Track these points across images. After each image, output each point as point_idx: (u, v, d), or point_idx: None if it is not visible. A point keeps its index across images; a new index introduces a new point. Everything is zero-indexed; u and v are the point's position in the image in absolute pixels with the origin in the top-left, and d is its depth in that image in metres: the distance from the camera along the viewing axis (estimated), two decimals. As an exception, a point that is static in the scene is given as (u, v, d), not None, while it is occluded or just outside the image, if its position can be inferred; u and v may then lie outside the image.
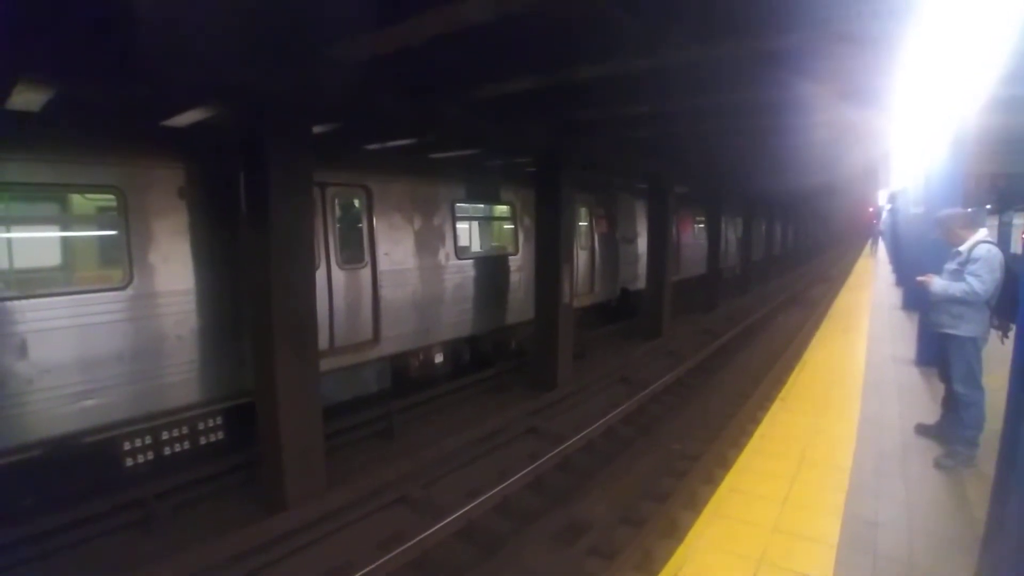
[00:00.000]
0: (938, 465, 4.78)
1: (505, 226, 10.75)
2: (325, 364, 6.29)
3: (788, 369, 9.08)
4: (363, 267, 7.44)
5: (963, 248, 4.79)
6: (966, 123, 7.31)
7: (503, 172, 10.36)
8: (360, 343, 7.41)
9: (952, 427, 4.95)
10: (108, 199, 5.45)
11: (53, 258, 5.63)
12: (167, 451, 5.84)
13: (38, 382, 4.88)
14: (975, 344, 4.73)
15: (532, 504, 5.94)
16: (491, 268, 9.70)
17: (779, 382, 8.53)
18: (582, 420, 7.90)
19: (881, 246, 35.97)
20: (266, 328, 5.26)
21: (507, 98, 6.19)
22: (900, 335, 9.96)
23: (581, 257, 11.76)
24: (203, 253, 5.91)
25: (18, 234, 5.14)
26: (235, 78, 4.74)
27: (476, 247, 10.49)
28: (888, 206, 29.25)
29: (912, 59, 4.80)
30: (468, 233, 10.33)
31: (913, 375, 7.55)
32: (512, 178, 10.24)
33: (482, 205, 10.14)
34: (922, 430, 5.46)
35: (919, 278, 5.15)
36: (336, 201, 7.16)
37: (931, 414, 5.54)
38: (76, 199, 5.63)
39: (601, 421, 7.78)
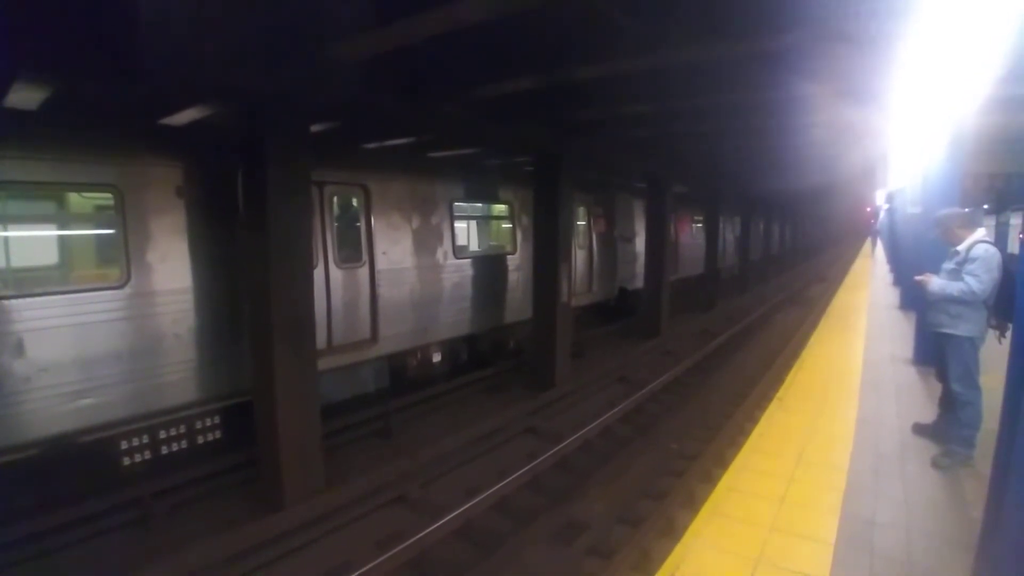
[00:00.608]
0: (935, 464, 4.79)
1: (503, 225, 10.75)
2: (323, 363, 6.28)
3: (786, 368, 9.10)
4: (361, 266, 7.44)
5: (961, 248, 4.80)
6: (964, 123, 7.33)
7: (501, 171, 10.35)
8: (358, 342, 7.41)
9: (949, 426, 4.96)
10: (106, 198, 5.44)
11: (50, 257, 5.62)
12: (165, 450, 5.83)
13: (35, 381, 4.86)
14: (972, 344, 4.74)
15: (530, 503, 5.94)
16: (489, 267, 9.70)
17: (777, 381, 8.55)
18: (580, 419, 7.91)
19: (879, 246, 36.02)
20: (264, 327, 5.25)
21: (505, 98, 6.19)
22: (898, 334, 9.99)
23: (579, 256, 11.77)
24: (201, 252, 5.89)
25: (15, 233, 5.13)
26: (233, 77, 4.72)
27: (474, 246, 10.49)
28: (886, 206, 29.30)
29: (910, 59, 4.81)
30: (466, 232, 10.33)
31: (911, 374, 7.57)
32: (510, 177, 10.24)
33: (480, 204, 10.14)
34: (919, 429, 5.48)
35: (917, 277, 5.16)
36: (334, 200, 7.15)
37: (928, 413, 5.56)
38: (73, 197, 5.62)
39: (599, 420, 7.79)
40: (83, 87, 4.85)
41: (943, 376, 5.06)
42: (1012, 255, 4.67)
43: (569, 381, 9.27)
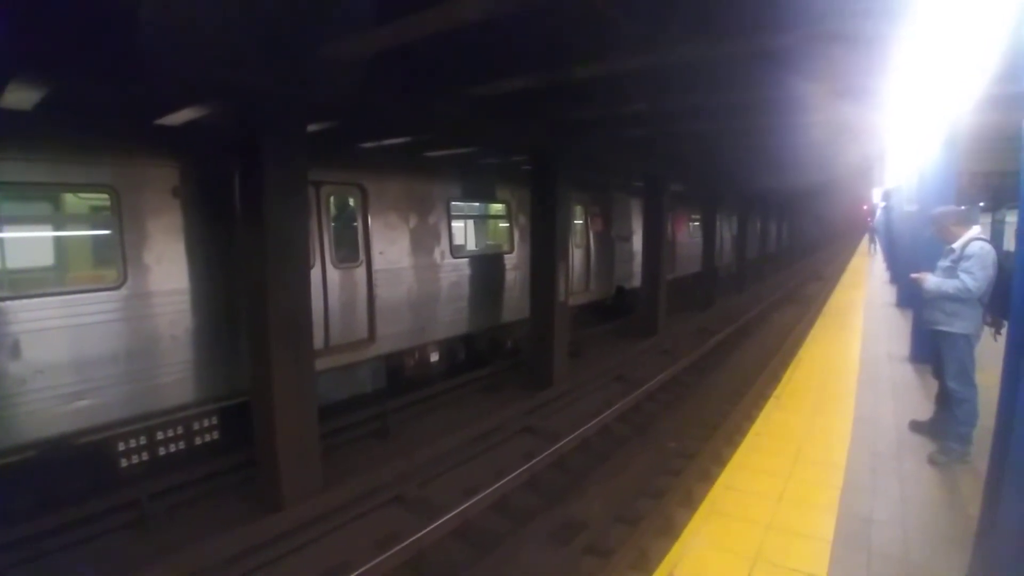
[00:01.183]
0: (932, 461, 4.80)
1: (500, 225, 10.74)
2: (320, 363, 6.27)
3: (783, 366, 9.11)
4: (358, 266, 7.43)
5: (956, 245, 4.81)
6: (959, 121, 7.35)
7: (499, 170, 10.35)
8: (355, 342, 7.40)
9: (946, 423, 4.98)
10: (102, 198, 5.42)
11: (46, 258, 5.60)
12: (162, 451, 5.81)
13: (31, 383, 4.84)
14: (968, 341, 4.75)
15: (528, 503, 5.95)
16: (486, 267, 9.69)
17: (774, 379, 8.57)
18: (578, 418, 7.92)
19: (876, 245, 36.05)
20: (261, 327, 5.25)
21: (503, 97, 6.19)
22: (894, 332, 10.01)
23: (576, 255, 11.76)
24: (197, 252, 5.87)
25: (10, 234, 5.11)
26: (229, 76, 4.71)
27: (471, 246, 10.49)
28: (882, 204, 29.35)
29: (905, 58, 4.82)
30: (463, 232, 10.33)
31: (907, 372, 7.59)
32: (508, 176, 10.23)
33: (477, 204, 10.14)
34: (916, 427, 5.49)
35: (913, 275, 5.17)
36: (331, 200, 7.14)
37: (925, 411, 5.57)
38: (69, 198, 5.61)
39: (597, 419, 7.79)
40: (79, 87, 4.84)
41: (939, 373, 5.07)
42: (1007, 252, 4.68)
43: (567, 380, 9.28)
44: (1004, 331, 3.95)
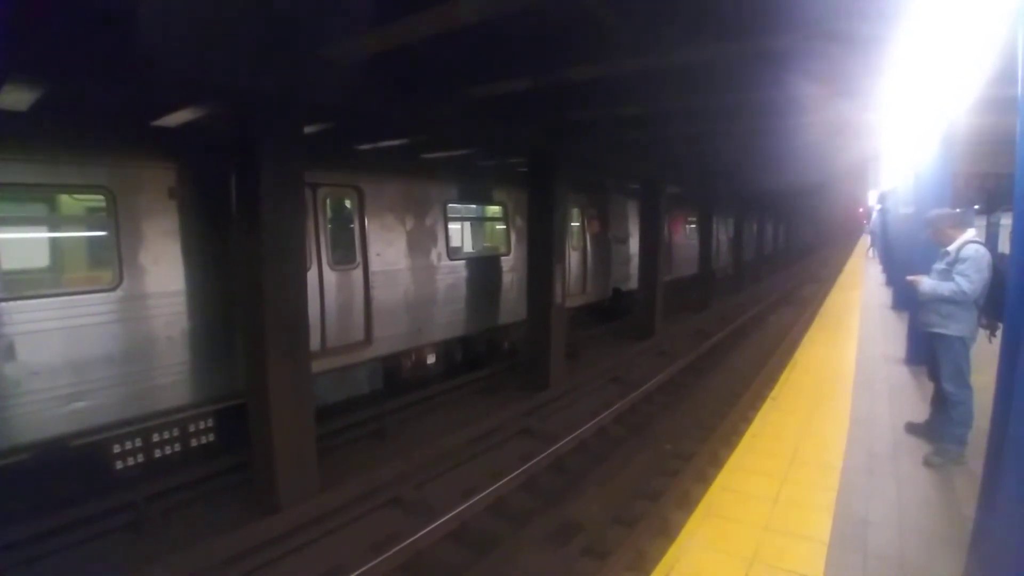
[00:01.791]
0: (928, 463, 4.82)
1: (497, 226, 10.75)
2: (317, 365, 6.27)
3: (780, 368, 9.11)
4: (355, 268, 7.42)
5: (952, 248, 4.82)
6: (955, 124, 7.37)
7: (495, 172, 10.36)
8: (352, 344, 7.39)
9: (941, 425, 4.99)
10: (97, 199, 5.41)
11: (41, 259, 5.59)
12: (158, 453, 5.79)
13: (26, 384, 4.83)
14: (963, 343, 4.76)
15: (526, 504, 5.94)
16: (483, 268, 9.69)
17: (771, 381, 8.57)
18: (575, 420, 7.92)
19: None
20: (257, 329, 5.24)
21: (499, 99, 6.20)
22: (890, 334, 10.03)
23: (573, 257, 11.77)
24: (194, 254, 5.86)
25: (5, 235, 5.10)
26: (226, 78, 4.71)
27: (468, 247, 10.49)
28: (878, 206, 29.44)
29: (901, 60, 4.83)
30: (460, 234, 10.34)
31: (903, 374, 7.61)
32: (504, 178, 10.24)
33: (474, 206, 10.14)
34: (912, 428, 5.50)
35: (908, 277, 5.19)
36: (327, 202, 7.13)
37: (921, 412, 5.58)
38: (65, 200, 5.59)
39: (594, 421, 7.79)
40: (75, 88, 4.83)
41: (935, 375, 5.09)
42: (1003, 255, 4.69)
43: (564, 382, 9.28)
44: (999, 333, 3.96)
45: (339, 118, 6.69)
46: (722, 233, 21.52)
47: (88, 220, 5.69)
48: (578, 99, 6.91)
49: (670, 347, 12.57)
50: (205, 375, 5.98)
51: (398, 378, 8.42)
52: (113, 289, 5.35)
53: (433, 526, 5.18)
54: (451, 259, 8.95)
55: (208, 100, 5.29)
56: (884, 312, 12.67)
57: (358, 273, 7.46)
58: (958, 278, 4.59)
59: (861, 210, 43.74)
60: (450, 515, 5.37)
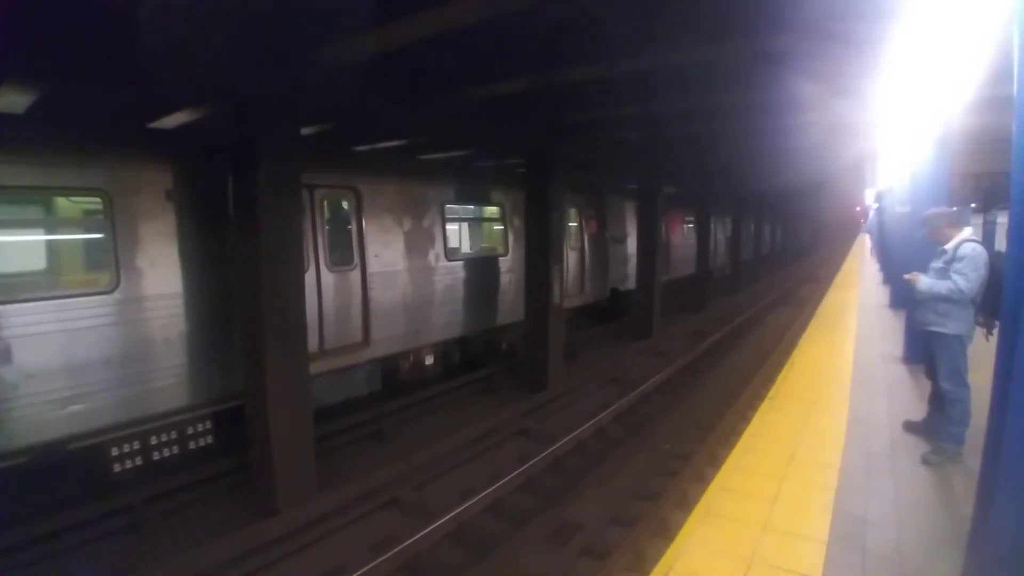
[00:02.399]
0: (925, 461, 4.82)
1: (495, 227, 10.75)
2: (315, 367, 6.26)
3: (777, 367, 9.13)
4: (352, 269, 7.41)
5: (948, 247, 4.83)
6: (951, 123, 7.40)
7: (493, 173, 10.36)
8: (350, 345, 7.38)
9: (939, 424, 4.99)
10: (94, 202, 5.40)
11: (38, 262, 5.57)
12: (156, 456, 5.78)
13: (23, 387, 4.81)
14: (961, 342, 4.77)
15: (524, 505, 5.94)
16: (481, 269, 9.69)
17: (769, 381, 8.59)
18: (573, 421, 7.92)
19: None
20: (255, 331, 5.23)
21: (496, 100, 6.20)
22: (888, 333, 10.04)
23: (571, 258, 11.77)
24: (191, 256, 5.85)
25: (2, 238, 5.08)
26: (222, 80, 4.71)
27: (466, 248, 10.48)
28: (875, 205, 29.49)
29: (897, 60, 4.85)
30: (458, 234, 10.32)
31: (901, 373, 7.62)
32: (502, 179, 10.24)
33: (472, 206, 10.14)
34: (910, 427, 5.51)
35: (905, 276, 5.20)
36: (325, 203, 7.12)
37: (919, 411, 5.59)
38: (62, 202, 5.57)
39: (592, 422, 7.80)
40: (72, 90, 4.81)
41: (932, 374, 5.09)
42: (999, 253, 4.70)
43: (562, 383, 9.28)
44: (996, 331, 3.97)
45: (336, 119, 6.69)
46: (720, 233, 21.54)
47: (85, 222, 5.67)
48: (575, 100, 6.93)
49: (668, 347, 12.58)
50: (203, 377, 5.96)
51: (396, 379, 8.41)
52: (110, 292, 5.34)
53: (432, 527, 5.18)
54: (449, 260, 8.95)
55: (205, 102, 5.28)
56: (882, 311, 12.69)
57: (356, 274, 7.45)
58: (955, 276, 4.60)
59: (858, 209, 43.82)
60: (449, 516, 5.37)
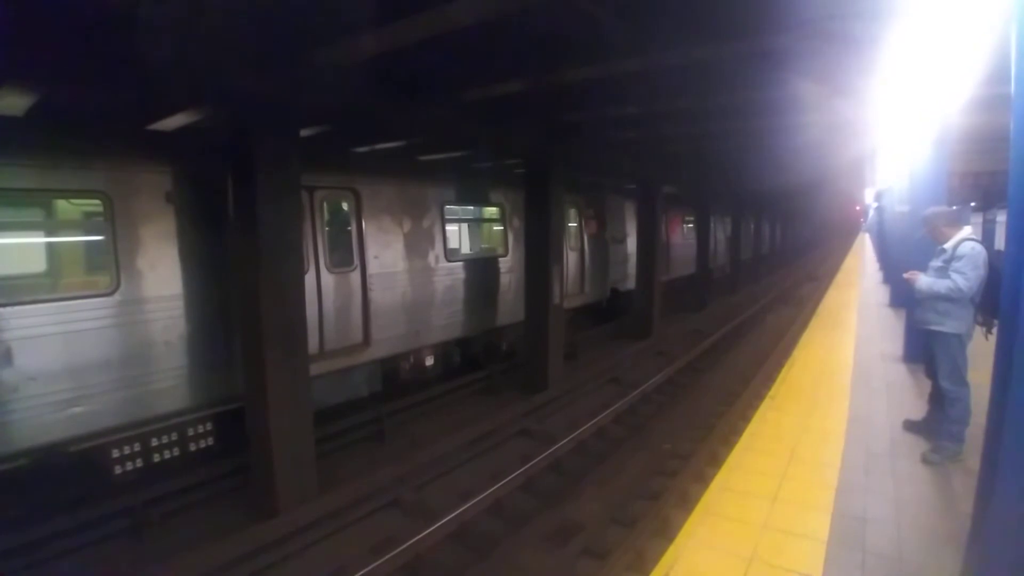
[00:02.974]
0: (925, 460, 4.83)
1: (495, 228, 10.75)
2: (315, 368, 6.26)
3: (777, 367, 9.14)
4: (352, 270, 7.42)
5: (948, 246, 4.84)
6: (950, 122, 7.40)
7: (492, 174, 10.35)
8: (350, 346, 7.38)
9: (939, 423, 5.00)
10: (94, 204, 5.40)
11: (38, 264, 5.58)
12: (156, 458, 5.78)
13: (24, 390, 4.81)
14: (960, 340, 4.78)
15: (524, 505, 5.95)
16: (481, 270, 9.69)
17: (769, 380, 8.59)
18: (573, 421, 7.93)
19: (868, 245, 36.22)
20: (255, 332, 5.23)
21: (496, 100, 6.20)
22: (887, 332, 10.05)
23: (571, 258, 11.77)
24: (191, 258, 5.85)
25: (2, 240, 5.08)
26: (222, 82, 4.71)
27: (466, 249, 10.48)
28: (875, 204, 29.52)
29: (895, 59, 4.86)
30: (458, 235, 10.32)
31: (900, 371, 7.62)
32: (501, 180, 10.24)
33: (471, 207, 10.13)
34: (909, 426, 5.52)
35: (905, 274, 5.20)
36: (324, 205, 7.13)
37: (918, 410, 5.60)
38: (61, 204, 5.58)
39: (592, 422, 7.80)
40: (71, 92, 4.82)
41: (932, 373, 5.10)
42: (998, 252, 4.71)
43: (562, 383, 9.28)
44: (995, 330, 3.97)
45: (336, 121, 6.69)
46: (719, 232, 21.53)
47: (85, 225, 5.68)
48: (574, 100, 6.92)
49: (668, 347, 12.58)
50: (203, 379, 5.96)
51: (397, 380, 8.41)
52: (110, 294, 5.34)
53: (432, 528, 5.19)
54: (449, 261, 8.95)
55: (205, 104, 5.28)
56: (881, 310, 12.70)
57: (356, 275, 7.46)
58: (954, 275, 4.61)
59: (858, 208, 43.85)
60: (449, 517, 5.37)
